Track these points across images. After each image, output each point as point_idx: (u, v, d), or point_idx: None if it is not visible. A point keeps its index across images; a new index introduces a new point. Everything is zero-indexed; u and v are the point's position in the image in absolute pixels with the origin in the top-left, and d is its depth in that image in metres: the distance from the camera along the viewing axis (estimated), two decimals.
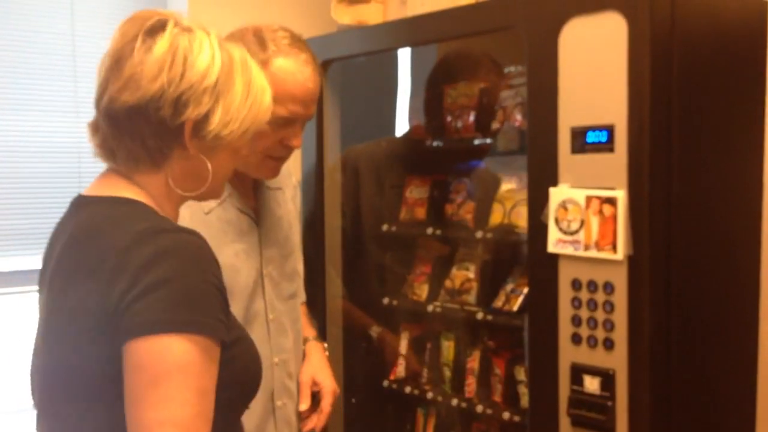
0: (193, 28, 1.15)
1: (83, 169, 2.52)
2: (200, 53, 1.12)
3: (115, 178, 1.18)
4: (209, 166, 1.17)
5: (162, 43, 1.11)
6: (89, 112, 2.76)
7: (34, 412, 1.21)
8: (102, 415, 1.08)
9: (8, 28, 2.40)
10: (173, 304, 1.02)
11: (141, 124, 1.12)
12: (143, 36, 1.11)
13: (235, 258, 1.63)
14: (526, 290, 1.99)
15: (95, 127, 1.18)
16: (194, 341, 1.02)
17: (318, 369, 1.86)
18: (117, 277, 1.03)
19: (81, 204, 1.19)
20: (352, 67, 2.43)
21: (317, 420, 1.80)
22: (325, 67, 2.32)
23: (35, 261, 2.43)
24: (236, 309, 1.59)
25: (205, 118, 1.13)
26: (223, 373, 1.08)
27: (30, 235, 2.45)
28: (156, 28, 1.12)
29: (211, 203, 1.59)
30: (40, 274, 1.24)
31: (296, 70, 1.59)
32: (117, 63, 1.12)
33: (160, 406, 1.00)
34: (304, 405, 1.79)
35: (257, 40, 1.58)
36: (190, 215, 1.51)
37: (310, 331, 1.94)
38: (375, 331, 2.47)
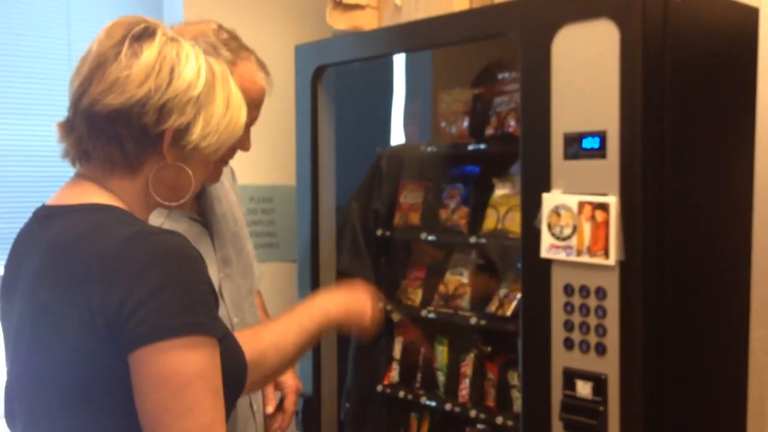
0: (180, 39, 1.16)
1: None
2: (187, 64, 1.13)
3: (85, 185, 1.17)
4: (192, 175, 1.18)
5: (150, 51, 1.11)
6: None
7: (14, 422, 1.19)
8: (100, 422, 1.08)
9: (4, 32, 2.40)
10: (176, 309, 1.03)
11: (121, 128, 1.11)
12: (130, 41, 1.11)
13: None
14: (519, 295, 1.99)
15: (69, 128, 1.17)
16: (202, 343, 1.04)
17: None
18: (111, 285, 1.02)
19: (53, 214, 1.17)
20: (346, 73, 2.44)
21: (282, 420, 1.80)
22: (320, 72, 2.33)
23: None
24: None
25: (186, 128, 1.13)
26: None
27: None
28: (143, 35, 1.13)
29: (160, 218, 1.56)
30: (4, 289, 1.22)
31: (255, 76, 1.58)
32: (101, 65, 1.11)
33: (185, 415, 1.02)
34: (270, 407, 1.79)
35: (209, 48, 1.56)
36: None
37: None
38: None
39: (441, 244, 2.39)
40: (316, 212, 2.37)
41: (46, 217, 1.18)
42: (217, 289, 1.63)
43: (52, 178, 2.46)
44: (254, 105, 1.58)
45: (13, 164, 2.42)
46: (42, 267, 1.11)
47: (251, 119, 1.59)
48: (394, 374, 2.45)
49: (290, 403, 1.82)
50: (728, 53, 1.86)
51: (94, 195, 1.15)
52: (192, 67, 1.13)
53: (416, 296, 2.42)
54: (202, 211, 1.69)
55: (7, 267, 1.23)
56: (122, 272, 1.03)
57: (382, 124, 2.74)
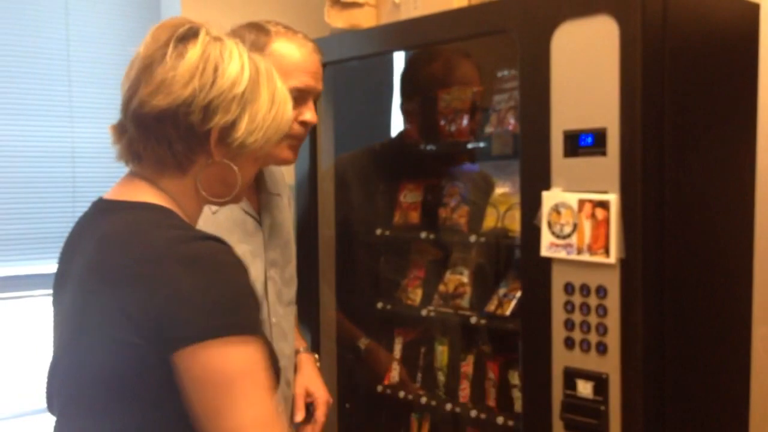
0: (223, 38, 1.19)
1: (77, 174, 2.51)
2: (231, 62, 1.16)
3: (138, 183, 1.20)
4: (237, 172, 1.21)
5: (194, 51, 1.14)
6: (83, 117, 2.72)
7: (54, 414, 1.23)
8: (134, 415, 1.11)
9: (2, 33, 2.39)
10: (219, 310, 1.07)
11: (169, 128, 1.15)
12: (175, 42, 1.15)
13: (243, 258, 1.64)
14: (519, 294, 1.98)
15: (121, 130, 1.21)
16: (245, 342, 1.08)
17: (310, 380, 1.89)
18: (156, 284, 1.06)
19: (107, 208, 1.21)
20: (345, 71, 2.42)
21: (312, 430, 1.84)
22: None
23: (29, 266, 2.43)
24: None
25: (232, 125, 1.16)
26: None
27: (23, 241, 2.44)
28: (188, 36, 1.16)
29: (214, 206, 1.60)
30: (58, 275, 1.26)
31: (299, 44, 1.65)
32: (148, 67, 1.15)
33: (234, 412, 1.06)
34: (299, 416, 1.83)
35: (255, 28, 1.64)
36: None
37: (301, 342, 1.98)
38: (363, 343, 2.47)
39: (441, 243, 2.38)
40: (315, 212, 2.36)
41: (102, 210, 1.22)
42: (262, 284, 1.68)
43: (51, 178, 2.47)
44: (304, 71, 1.64)
45: (12, 165, 2.41)
46: (93, 259, 1.14)
47: (304, 85, 1.64)
48: (394, 374, 2.44)
49: (321, 414, 1.86)
50: (729, 49, 1.85)
51: (147, 193, 1.19)
52: (236, 65, 1.16)
53: (416, 295, 2.40)
54: (259, 210, 1.74)
55: (62, 257, 1.27)
56: (168, 272, 1.07)
57: (381, 123, 2.73)
